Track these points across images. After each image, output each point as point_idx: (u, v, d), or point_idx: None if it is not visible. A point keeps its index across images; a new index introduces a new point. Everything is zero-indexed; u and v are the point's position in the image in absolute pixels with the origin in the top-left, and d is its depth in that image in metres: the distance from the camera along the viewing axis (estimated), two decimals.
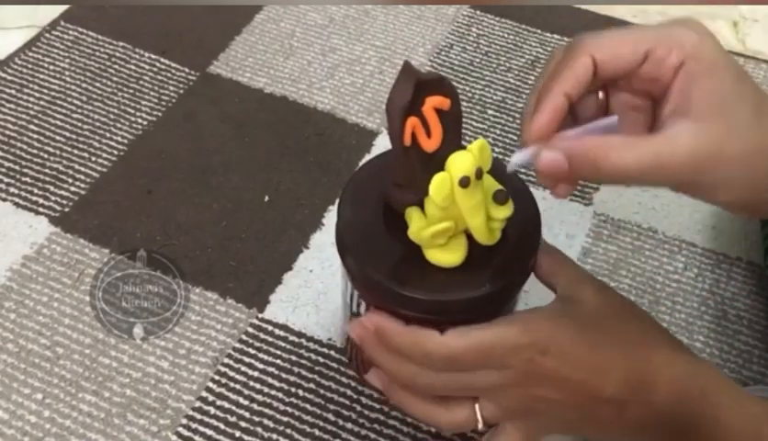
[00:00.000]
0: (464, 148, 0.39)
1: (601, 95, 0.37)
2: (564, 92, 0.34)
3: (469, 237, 0.41)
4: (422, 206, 0.40)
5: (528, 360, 0.37)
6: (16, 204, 0.63)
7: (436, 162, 0.38)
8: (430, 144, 0.38)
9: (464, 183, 0.37)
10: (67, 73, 0.74)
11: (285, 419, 0.52)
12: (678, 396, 0.38)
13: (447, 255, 0.40)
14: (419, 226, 0.39)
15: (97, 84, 0.73)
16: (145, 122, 0.70)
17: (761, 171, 0.34)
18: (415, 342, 0.38)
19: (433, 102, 0.38)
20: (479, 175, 0.38)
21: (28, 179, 0.65)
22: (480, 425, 0.40)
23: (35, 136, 0.68)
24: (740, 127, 0.33)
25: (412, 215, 0.40)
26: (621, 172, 0.33)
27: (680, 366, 0.39)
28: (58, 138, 0.68)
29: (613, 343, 0.38)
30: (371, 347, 0.41)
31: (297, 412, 0.52)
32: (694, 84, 0.32)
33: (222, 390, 0.53)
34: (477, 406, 0.40)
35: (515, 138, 0.70)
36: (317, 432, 0.52)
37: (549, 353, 0.37)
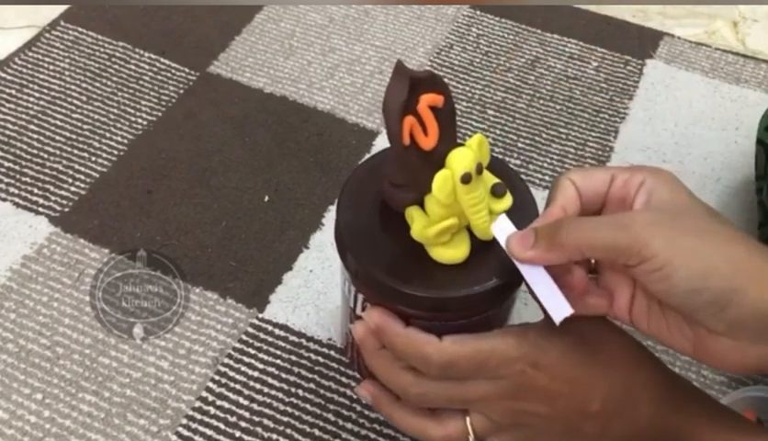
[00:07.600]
0: (461, 144, 0.39)
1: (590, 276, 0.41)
2: (560, 206, 0.39)
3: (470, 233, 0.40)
4: (422, 204, 0.40)
5: (520, 372, 0.38)
6: (16, 204, 0.63)
7: (434, 159, 0.38)
8: (427, 142, 0.38)
9: (466, 179, 0.37)
10: (67, 73, 0.74)
11: (285, 419, 0.52)
12: (659, 415, 0.39)
13: (452, 252, 0.40)
14: (422, 224, 0.39)
15: (97, 84, 0.73)
16: (145, 122, 0.70)
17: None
18: (414, 345, 0.39)
19: (427, 100, 0.37)
20: (479, 170, 0.38)
21: (28, 179, 0.65)
22: (472, 439, 0.41)
23: (35, 136, 0.68)
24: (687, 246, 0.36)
25: (413, 214, 0.40)
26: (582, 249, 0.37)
27: (662, 385, 0.40)
28: (58, 138, 0.68)
29: (600, 360, 0.39)
30: (369, 352, 0.41)
31: (297, 412, 0.52)
32: (655, 193, 0.38)
33: (222, 390, 0.53)
34: (468, 419, 0.40)
35: (515, 138, 0.70)
36: (317, 432, 0.52)
37: (540, 366, 0.38)
